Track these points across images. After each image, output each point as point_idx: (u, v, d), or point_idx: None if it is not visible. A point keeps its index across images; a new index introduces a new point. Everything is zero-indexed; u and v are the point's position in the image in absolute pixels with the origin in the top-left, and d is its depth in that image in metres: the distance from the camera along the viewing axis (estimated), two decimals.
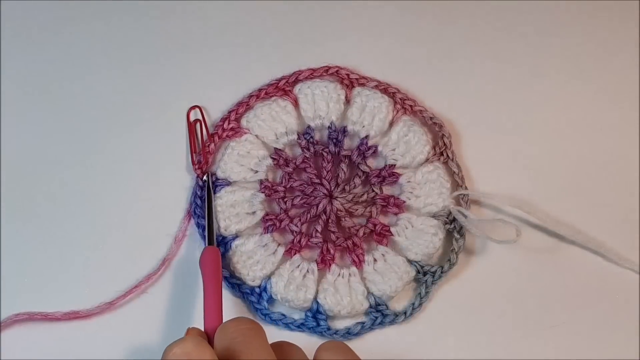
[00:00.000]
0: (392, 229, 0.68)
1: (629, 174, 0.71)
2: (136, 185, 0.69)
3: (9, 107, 0.71)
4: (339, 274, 0.67)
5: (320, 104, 0.71)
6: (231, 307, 0.67)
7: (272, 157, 0.70)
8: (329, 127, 0.71)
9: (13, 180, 0.69)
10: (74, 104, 0.71)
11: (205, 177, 0.69)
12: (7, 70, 0.71)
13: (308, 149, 0.70)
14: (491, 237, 0.67)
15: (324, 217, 0.69)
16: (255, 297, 0.67)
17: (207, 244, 0.66)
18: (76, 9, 0.73)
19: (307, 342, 0.65)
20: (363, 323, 0.67)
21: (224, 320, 0.56)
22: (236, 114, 0.71)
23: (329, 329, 0.66)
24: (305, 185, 0.69)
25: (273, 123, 0.70)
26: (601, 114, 0.73)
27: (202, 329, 0.58)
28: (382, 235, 0.68)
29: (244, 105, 0.71)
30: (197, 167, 0.69)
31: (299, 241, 0.68)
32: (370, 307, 0.67)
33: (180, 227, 0.68)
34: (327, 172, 0.70)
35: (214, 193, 0.69)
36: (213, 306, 0.60)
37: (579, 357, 0.66)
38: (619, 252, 0.69)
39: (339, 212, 0.69)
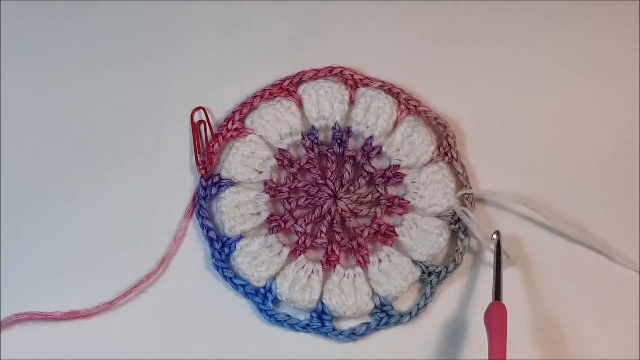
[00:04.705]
0: (397, 230, 0.66)
1: (632, 173, 0.69)
2: (137, 185, 0.68)
3: (11, 107, 0.70)
4: (344, 275, 0.65)
5: (325, 104, 0.69)
6: (236, 308, 0.65)
7: (276, 158, 0.68)
8: (333, 127, 0.69)
9: (13, 180, 0.68)
10: (76, 105, 0.70)
11: (494, 236, 0.64)
12: (8, 71, 0.70)
13: (312, 150, 0.68)
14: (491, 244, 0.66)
15: (328, 217, 0.67)
16: (260, 297, 0.65)
17: (493, 299, 0.62)
18: (78, 10, 0.72)
19: (312, 342, 0.65)
20: (368, 324, 0.65)
21: None
22: (240, 114, 0.69)
23: (334, 329, 0.65)
24: (310, 186, 0.67)
25: (277, 123, 0.68)
26: (604, 114, 0.71)
27: None
28: (387, 235, 0.67)
29: (248, 106, 0.69)
30: (201, 167, 0.67)
31: (304, 242, 0.66)
32: (376, 307, 0.65)
33: (180, 226, 0.66)
34: (332, 172, 0.68)
35: (219, 193, 0.67)
36: None
37: (579, 357, 0.65)
38: (621, 252, 0.67)
39: (343, 213, 0.67)
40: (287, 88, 0.69)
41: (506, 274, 0.65)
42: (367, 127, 0.68)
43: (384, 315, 0.64)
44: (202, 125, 0.68)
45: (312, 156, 0.67)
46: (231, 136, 0.68)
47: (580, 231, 0.67)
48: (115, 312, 0.64)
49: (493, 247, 0.64)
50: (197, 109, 0.69)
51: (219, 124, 0.69)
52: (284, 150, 0.67)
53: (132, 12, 0.71)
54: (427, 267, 0.65)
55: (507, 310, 0.60)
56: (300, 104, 0.69)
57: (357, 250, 0.65)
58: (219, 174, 0.67)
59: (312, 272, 0.65)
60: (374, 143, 0.68)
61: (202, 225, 0.66)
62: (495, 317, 0.60)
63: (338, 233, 0.66)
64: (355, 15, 0.72)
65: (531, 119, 0.70)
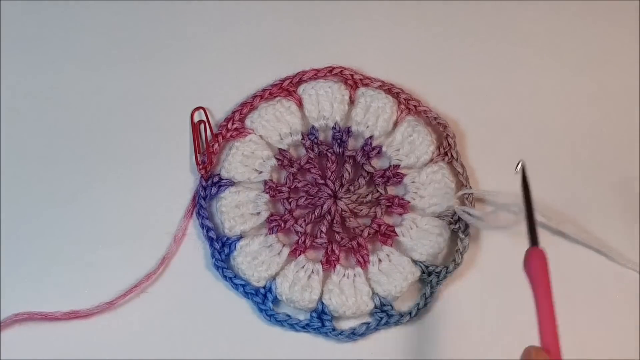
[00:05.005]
0: (397, 230, 0.66)
1: (632, 173, 0.69)
2: (137, 185, 0.68)
3: (11, 107, 0.69)
4: (344, 275, 0.65)
5: (325, 104, 0.68)
6: (236, 308, 0.65)
7: (276, 158, 0.67)
8: (333, 127, 0.68)
9: (13, 180, 0.67)
10: (76, 105, 0.70)
11: (518, 168, 0.56)
12: (8, 72, 0.70)
13: (312, 150, 0.68)
14: (496, 226, 0.65)
15: (328, 217, 0.66)
16: (260, 297, 0.65)
17: (531, 244, 0.54)
18: (78, 9, 0.72)
19: (312, 342, 0.64)
20: (368, 323, 0.65)
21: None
22: (240, 114, 0.69)
23: (334, 329, 0.64)
24: (310, 186, 0.67)
25: (277, 123, 0.68)
26: (604, 113, 0.71)
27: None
28: (387, 235, 0.66)
29: (248, 106, 0.69)
30: (201, 167, 0.67)
31: (304, 242, 0.66)
32: (376, 307, 0.65)
33: (180, 226, 0.66)
34: (332, 172, 0.67)
35: (219, 193, 0.66)
36: (548, 321, 0.53)
37: (579, 357, 0.63)
38: (621, 252, 0.67)
39: (343, 213, 0.67)
40: (287, 88, 0.69)
41: (505, 273, 0.64)
42: (367, 127, 0.67)
43: (384, 315, 0.64)
44: (202, 125, 0.68)
45: (312, 156, 0.67)
46: (231, 136, 0.67)
47: (580, 231, 0.67)
48: (115, 312, 0.63)
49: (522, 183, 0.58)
50: (197, 109, 0.68)
51: (219, 124, 0.68)
52: (284, 150, 0.67)
53: (132, 12, 0.71)
54: (427, 267, 0.65)
55: (547, 257, 0.54)
56: (300, 104, 0.68)
57: (357, 250, 0.65)
58: (219, 174, 0.67)
59: (312, 272, 0.64)
60: (374, 143, 0.67)
61: (202, 225, 0.66)
62: (537, 265, 0.53)
63: (338, 233, 0.66)
64: (355, 15, 0.72)
65: (531, 119, 0.70)
